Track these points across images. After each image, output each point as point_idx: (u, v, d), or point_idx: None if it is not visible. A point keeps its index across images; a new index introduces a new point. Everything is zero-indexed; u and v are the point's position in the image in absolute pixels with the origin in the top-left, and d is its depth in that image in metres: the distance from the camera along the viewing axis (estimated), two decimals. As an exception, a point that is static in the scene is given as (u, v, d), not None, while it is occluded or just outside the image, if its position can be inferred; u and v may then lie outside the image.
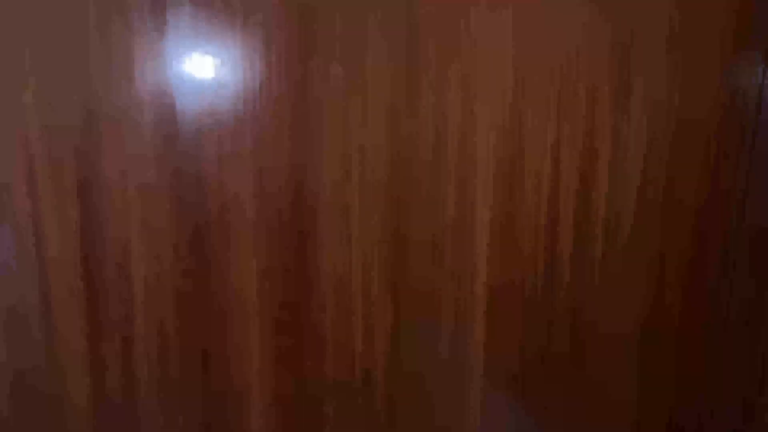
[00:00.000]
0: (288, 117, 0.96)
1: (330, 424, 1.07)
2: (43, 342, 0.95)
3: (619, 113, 1.07)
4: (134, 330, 0.97)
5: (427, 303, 1.07)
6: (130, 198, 0.93)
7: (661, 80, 1.08)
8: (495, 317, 1.10)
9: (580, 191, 1.09)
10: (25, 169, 0.90)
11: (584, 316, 1.15)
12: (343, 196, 1.00)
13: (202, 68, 0.92)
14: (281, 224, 0.99)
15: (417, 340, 1.07)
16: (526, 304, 1.11)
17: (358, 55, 0.97)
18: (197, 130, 0.94)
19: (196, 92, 0.93)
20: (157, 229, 0.95)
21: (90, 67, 0.89)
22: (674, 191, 1.13)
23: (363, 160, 1.00)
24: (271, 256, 1.00)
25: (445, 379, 1.10)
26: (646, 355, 1.20)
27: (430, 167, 1.02)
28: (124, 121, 0.91)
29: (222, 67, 0.93)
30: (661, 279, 1.17)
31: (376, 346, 1.06)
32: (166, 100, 0.92)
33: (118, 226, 0.94)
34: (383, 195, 1.02)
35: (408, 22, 0.97)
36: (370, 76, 0.97)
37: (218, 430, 1.02)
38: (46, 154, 0.90)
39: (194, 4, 0.90)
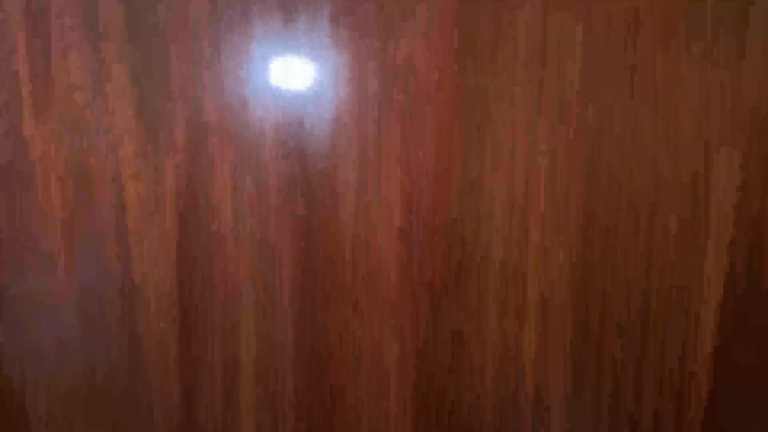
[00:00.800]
0: (448, 146, 0.79)
1: None
2: (127, 378, 0.86)
3: None
4: (240, 405, 0.85)
5: (622, 398, 0.86)
6: (241, 233, 0.81)
7: None
8: None
9: None
10: (117, 192, 0.80)
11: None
12: (519, 259, 0.81)
13: (340, 80, 0.78)
14: (432, 288, 0.82)
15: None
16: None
17: (540, 68, 0.77)
18: (328, 155, 0.79)
19: (329, 109, 0.78)
20: (273, 277, 0.82)
21: (200, 74, 0.77)
22: None
23: (546, 211, 0.80)
24: (416, 330, 0.83)
25: None
26: None
27: (637, 222, 0.81)
28: (239, 139, 0.78)
29: (363, 81, 0.77)
30: None
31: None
32: (291, 117, 0.78)
33: (225, 267, 0.82)
34: (570, 257, 0.82)
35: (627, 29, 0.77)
36: (557, 94, 0.78)
37: None
38: (144, 172, 0.79)
39: (335, 5, 0.76)
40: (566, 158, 0.80)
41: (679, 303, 0.84)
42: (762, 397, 0.86)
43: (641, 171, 0.80)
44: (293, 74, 0.78)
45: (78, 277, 0.82)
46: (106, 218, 0.81)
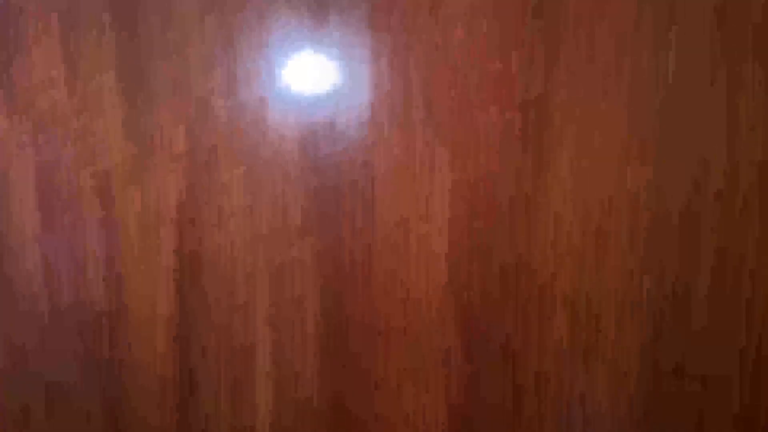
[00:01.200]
0: (511, 159, 0.69)
1: None
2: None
3: None
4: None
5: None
6: (255, 262, 0.74)
7: None
8: None
9: None
10: (106, 208, 0.75)
11: None
12: (589, 298, 0.71)
13: (379, 75, 0.70)
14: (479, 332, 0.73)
15: None
16: None
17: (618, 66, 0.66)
18: (364, 167, 0.71)
19: (365, 110, 0.70)
20: (294, 315, 0.75)
21: (206, 66, 0.70)
22: None
23: (631, 236, 0.69)
24: (459, 387, 0.74)
25: None
26: None
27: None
28: (253, 147, 0.72)
29: (406, 76, 0.69)
30: None
31: None
32: (319, 120, 0.70)
33: (234, 303, 0.75)
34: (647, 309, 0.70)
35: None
36: (646, 91, 0.66)
37: None
38: (136, 185, 0.74)
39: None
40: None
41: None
42: None
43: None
44: (321, 66, 0.71)
45: (58, 305, 0.78)
46: (91, 239, 0.76)
